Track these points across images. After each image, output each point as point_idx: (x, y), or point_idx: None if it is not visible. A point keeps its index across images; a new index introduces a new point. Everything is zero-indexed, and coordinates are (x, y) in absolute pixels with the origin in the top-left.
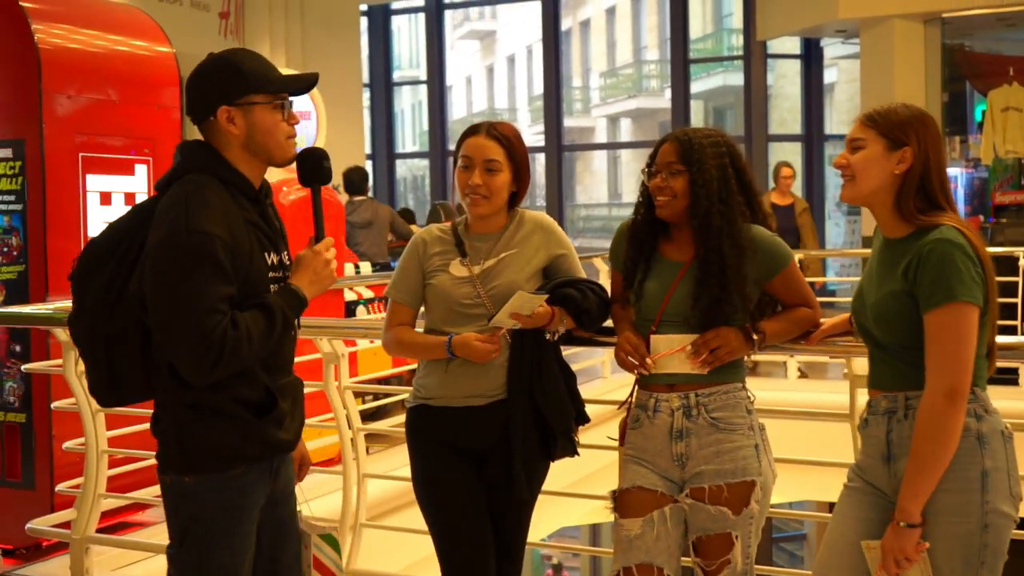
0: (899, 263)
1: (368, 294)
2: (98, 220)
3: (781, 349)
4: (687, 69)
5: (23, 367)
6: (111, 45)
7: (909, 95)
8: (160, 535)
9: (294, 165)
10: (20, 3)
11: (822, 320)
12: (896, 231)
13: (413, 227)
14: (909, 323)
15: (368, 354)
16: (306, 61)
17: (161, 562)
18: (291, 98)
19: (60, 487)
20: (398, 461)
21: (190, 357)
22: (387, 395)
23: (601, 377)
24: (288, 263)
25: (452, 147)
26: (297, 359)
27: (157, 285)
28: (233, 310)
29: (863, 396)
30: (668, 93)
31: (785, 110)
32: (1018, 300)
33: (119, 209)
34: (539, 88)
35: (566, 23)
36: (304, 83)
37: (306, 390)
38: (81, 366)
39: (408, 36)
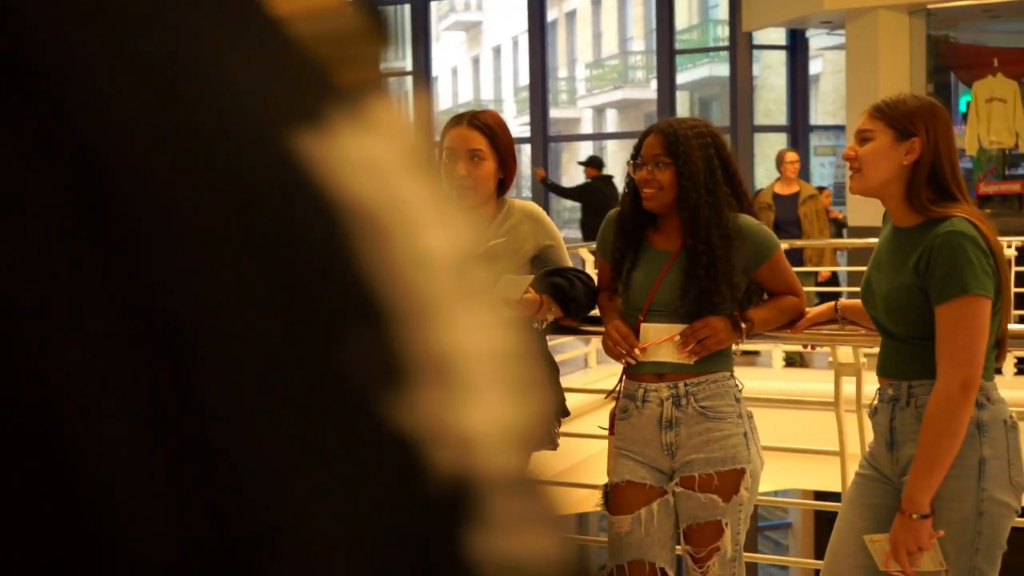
0: (910, 255)
1: None
2: None
3: (767, 338)
4: (673, 60)
5: None
6: None
7: (894, 86)
8: None
9: None
10: None
11: (807, 309)
12: (907, 221)
13: None
14: (920, 314)
15: None
16: None
17: None
18: None
19: None
20: None
21: None
22: None
23: (586, 367)
24: None
25: (437, 138)
26: None
27: None
28: None
29: (848, 384)
30: (654, 84)
31: (771, 101)
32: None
33: None
34: (525, 79)
35: (552, 14)
36: None
37: None
38: None
39: (394, 27)
